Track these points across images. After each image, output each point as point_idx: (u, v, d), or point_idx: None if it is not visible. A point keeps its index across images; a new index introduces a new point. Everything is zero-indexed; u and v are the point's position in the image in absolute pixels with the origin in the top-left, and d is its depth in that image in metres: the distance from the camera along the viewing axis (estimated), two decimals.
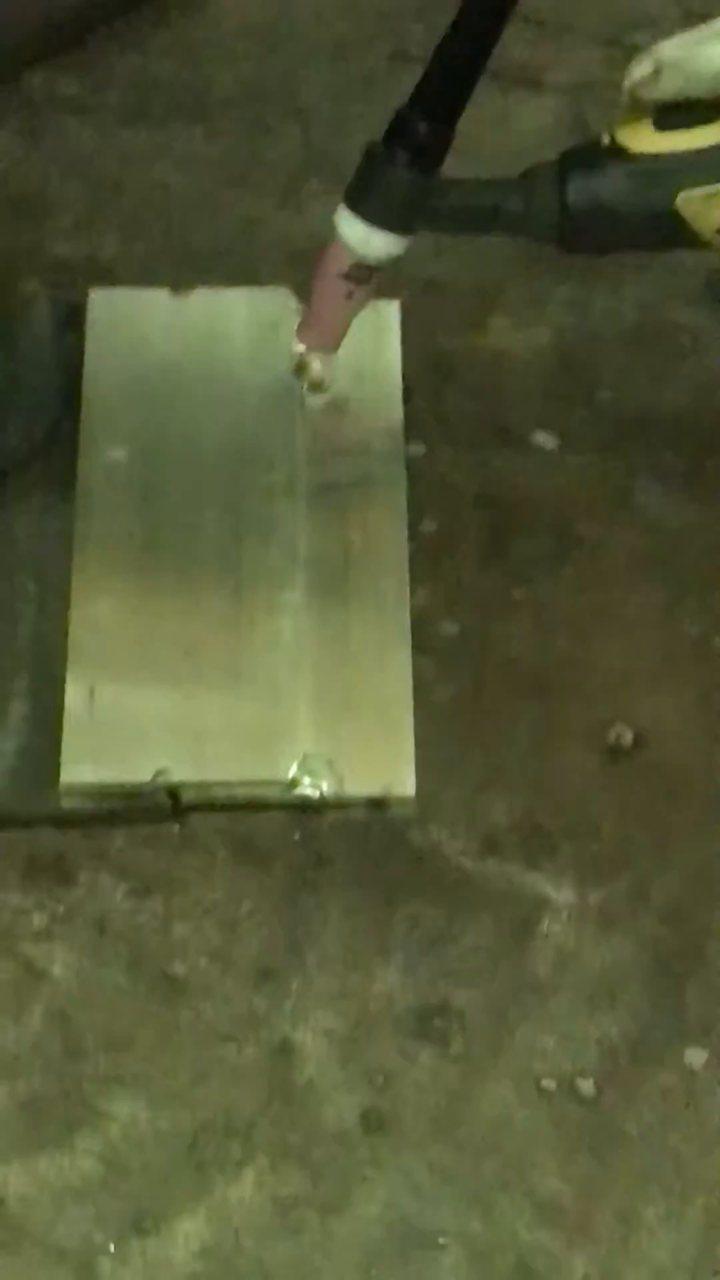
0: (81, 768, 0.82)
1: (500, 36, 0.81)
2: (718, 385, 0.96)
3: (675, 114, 0.84)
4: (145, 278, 0.97)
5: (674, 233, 0.85)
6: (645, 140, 0.84)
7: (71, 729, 0.83)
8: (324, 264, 0.86)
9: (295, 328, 0.91)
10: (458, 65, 0.82)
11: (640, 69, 0.84)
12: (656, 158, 0.83)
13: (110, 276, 0.97)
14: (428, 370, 0.95)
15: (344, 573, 0.88)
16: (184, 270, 0.98)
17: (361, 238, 0.84)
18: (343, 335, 0.87)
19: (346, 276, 0.85)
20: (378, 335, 0.93)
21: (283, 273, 0.98)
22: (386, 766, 0.83)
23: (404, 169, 0.82)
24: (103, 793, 0.82)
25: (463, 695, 0.86)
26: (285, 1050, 0.78)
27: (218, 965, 0.79)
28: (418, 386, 0.94)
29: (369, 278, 0.85)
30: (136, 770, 0.82)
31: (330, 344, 0.88)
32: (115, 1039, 0.78)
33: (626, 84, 0.84)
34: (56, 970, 0.79)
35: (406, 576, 0.88)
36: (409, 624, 0.87)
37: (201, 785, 0.83)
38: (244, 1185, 0.75)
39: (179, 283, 0.96)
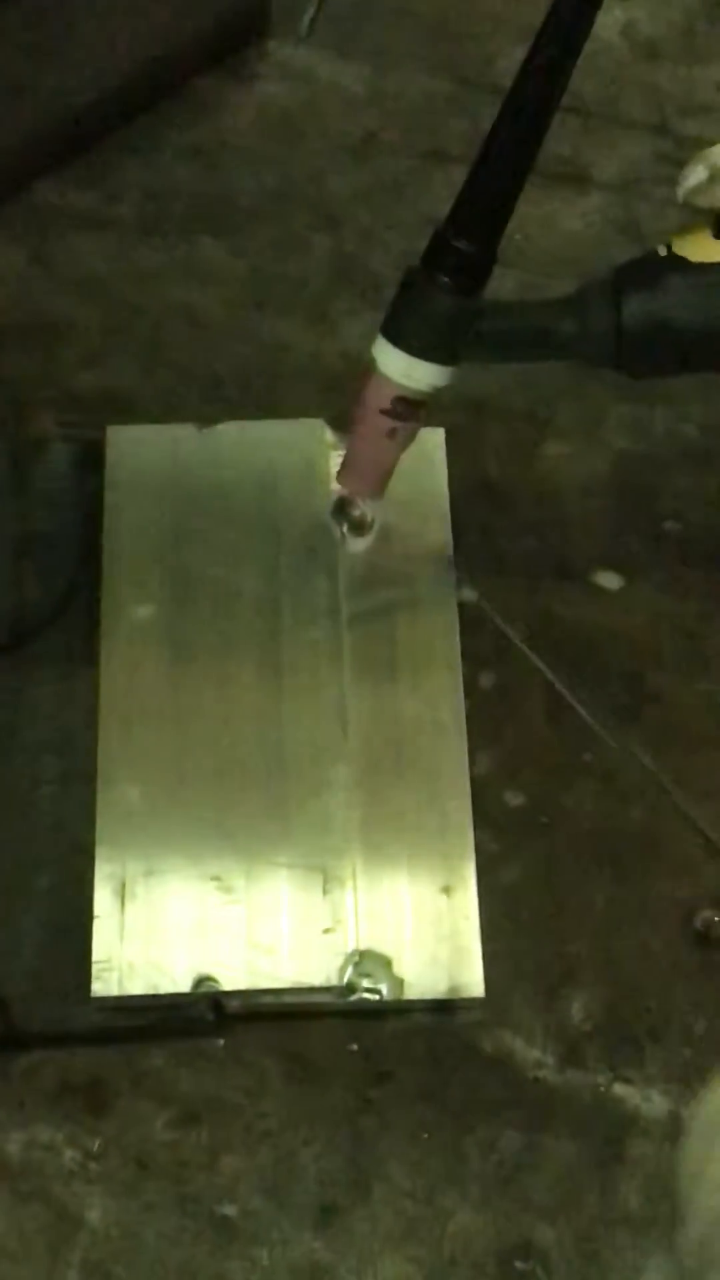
0: (114, 978, 0.74)
1: (541, 147, 0.73)
2: None
3: None
4: (167, 409, 0.89)
5: None
6: (706, 250, 0.77)
7: (101, 934, 0.75)
8: (363, 400, 0.78)
9: (331, 463, 0.84)
10: (497, 179, 0.74)
11: (694, 176, 0.77)
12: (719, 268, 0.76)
13: (130, 409, 0.90)
14: (478, 503, 0.87)
15: (396, 741, 0.80)
16: (209, 400, 0.90)
17: (403, 370, 0.76)
18: (388, 478, 0.80)
19: (389, 413, 0.77)
20: (423, 467, 0.86)
21: (316, 400, 0.91)
22: (451, 964, 0.76)
23: (445, 294, 0.75)
24: (139, 1006, 0.74)
25: (531, 876, 0.78)
26: None
27: (273, 1204, 0.71)
28: (467, 522, 0.86)
29: (413, 414, 0.78)
30: (175, 979, 0.74)
31: (374, 488, 0.80)
32: None
33: (680, 192, 0.77)
34: (93, 1216, 0.71)
35: (465, 742, 0.80)
36: (469, 797, 0.78)
37: (247, 994, 0.75)
38: None
39: (204, 414, 0.88)
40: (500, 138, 0.73)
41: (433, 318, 0.76)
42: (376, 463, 0.80)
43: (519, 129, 0.73)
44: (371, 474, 0.80)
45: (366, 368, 0.78)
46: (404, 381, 0.77)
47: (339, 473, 0.81)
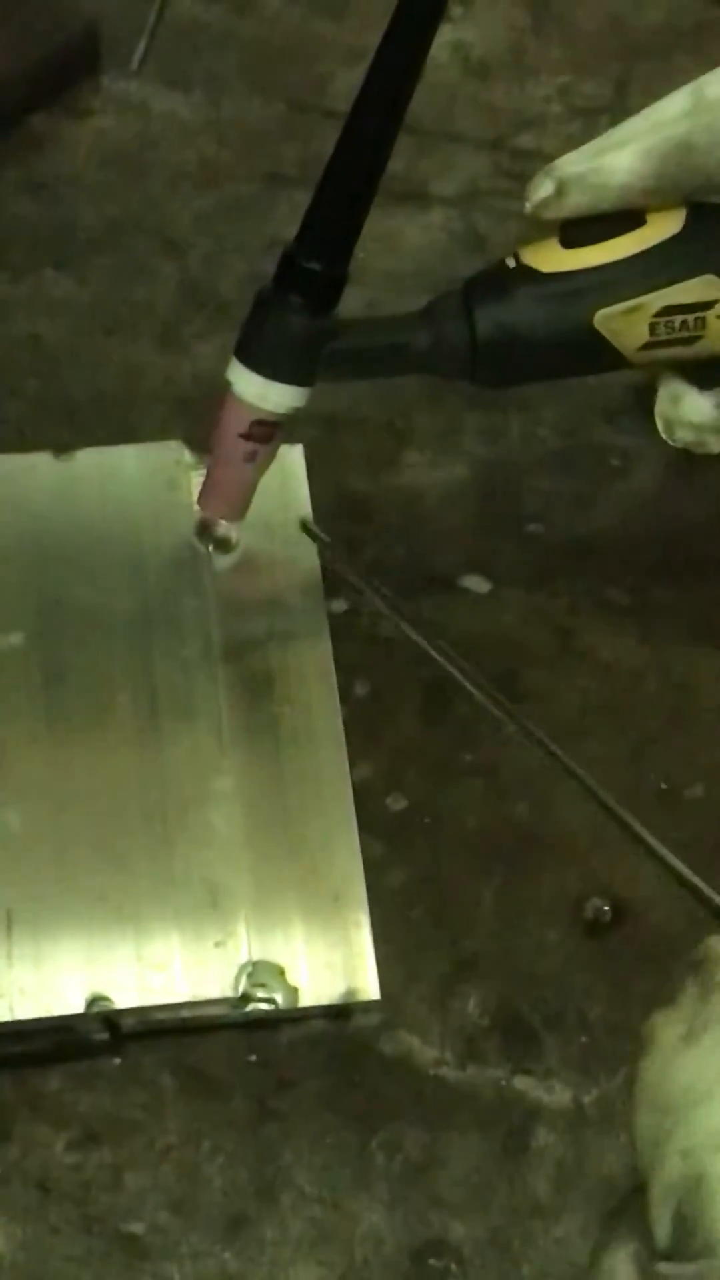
0: (4, 1004, 0.73)
1: (386, 163, 0.74)
2: (653, 506, 0.89)
3: (582, 228, 0.78)
4: (21, 440, 0.89)
5: (595, 355, 0.79)
6: (554, 259, 0.78)
7: None
8: (220, 424, 0.78)
9: (192, 482, 0.84)
10: (345, 196, 0.75)
11: (541, 190, 0.78)
12: (569, 276, 0.78)
13: None
14: (341, 516, 0.87)
15: (275, 750, 0.80)
16: (64, 428, 0.90)
17: (259, 392, 0.77)
18: (249, 500, 0.80)
19: (247, 436, 0.78)
20: (284, 482, 0.85)
21: (172, 422, 0.90)
22: (345, 969, 0.75)
23: (297, 315, 0.75)
24: (32, 1030, 0.73)
25: (418, 877, 0.78)
26: None
27: (180, 1219, 0.70)
28: (332, 534, 0.86)
29: (271, 435, 0.78)
30: (68, 1001, 0.73)
31: (236, 511, 0.80)
32: None
33: (528, 206, 0.78)
34: None
35: (344, 749, 0.80)
36: (352, 803, 0.78)
37: (141, 1011, 0.74)
38: None
39: (60, 443, 0.87)
40: (344, 155, 0.74)
41: (286, 339, 0.76)
42: (237, 486, 0.80)
43: (363, 144, 0.74)
44: (233, 497, 0.81)
45: (223, 393, 0.78)
46: (260, 405, 0.77)
47: (200, 497, 0.81)
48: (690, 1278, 0.54)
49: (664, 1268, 0.55)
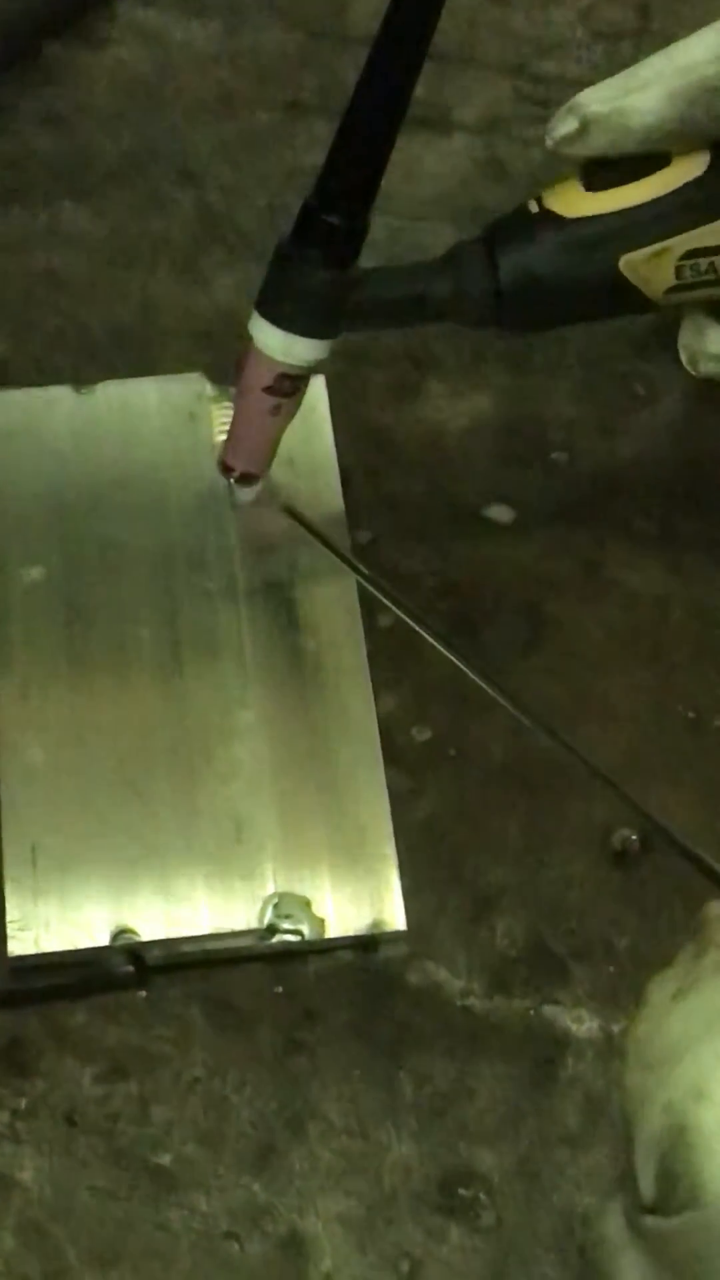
0: (31, 936, 0.73)
1: (404, 117, 0.73)
2: (679, 435, 0.88)
3: (605, 171, 0.77)
4: (42, 374, 0.88)
5: (621, 298, 0.78)
6: (577, 203, 0.77)
7: (15, 894, 0.74)
8: (244, 379, 0.77)
9: (213, 416, 0.84)
10: (364, 148, 0.73)
11: (564, 126, 0.76)
12: (592, 221, 0.77)
13: (3, 376, 0.88)
14: (364, 448, 0.86)
15: (299, 683, 0.79)
16: (84, 362, 0.89)
17: (282, 346, 0.76)
18: (274, 452, 0.79)
19: (271, 390, 0.77)
20: (306, 415, 0.84)
21: (191, 354, 0.90)
22: (371, 900, 0.75)
23: (318, 268, 0.74)
24: (58, 963, 0.73)
25: (444, 809, 0.78)
26: (295, 1242, 0.69)
27: (208, 1150, 0.70)
28: (355, 467, 0.85)
29: (296, 389, 0.77)
30: (93, 934, 0.73)
31: (260, 465, 0.79)
32: (101, 1251, 0.69)
33: (549, 142, 0.77)
34: (25, 1176, 0.70)
35: (369, 681, 0.79)
36: (377, 735, 0.78)
37: (167, 943, 0.73)
38: None
39: (80, 377, 0.87)
40: (360, 110, 0.72)
41: (308, 293, 0.75)
42: (262, 439, 0.80)
43: (381, 94, 0.72)
44: (258, 451, 0.80)
45: (246, 346, 0.77)
46: (284, 359, 0.76)
47: (225, 451, 0.81)
48: (675, 1230, 0.53)
49: (650, 1221, 0.54)
